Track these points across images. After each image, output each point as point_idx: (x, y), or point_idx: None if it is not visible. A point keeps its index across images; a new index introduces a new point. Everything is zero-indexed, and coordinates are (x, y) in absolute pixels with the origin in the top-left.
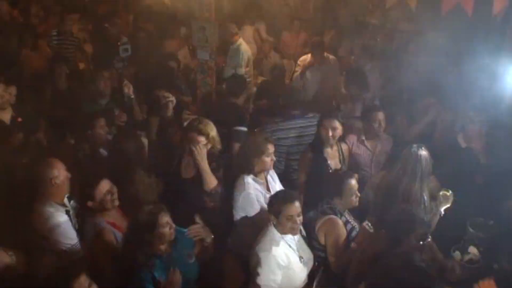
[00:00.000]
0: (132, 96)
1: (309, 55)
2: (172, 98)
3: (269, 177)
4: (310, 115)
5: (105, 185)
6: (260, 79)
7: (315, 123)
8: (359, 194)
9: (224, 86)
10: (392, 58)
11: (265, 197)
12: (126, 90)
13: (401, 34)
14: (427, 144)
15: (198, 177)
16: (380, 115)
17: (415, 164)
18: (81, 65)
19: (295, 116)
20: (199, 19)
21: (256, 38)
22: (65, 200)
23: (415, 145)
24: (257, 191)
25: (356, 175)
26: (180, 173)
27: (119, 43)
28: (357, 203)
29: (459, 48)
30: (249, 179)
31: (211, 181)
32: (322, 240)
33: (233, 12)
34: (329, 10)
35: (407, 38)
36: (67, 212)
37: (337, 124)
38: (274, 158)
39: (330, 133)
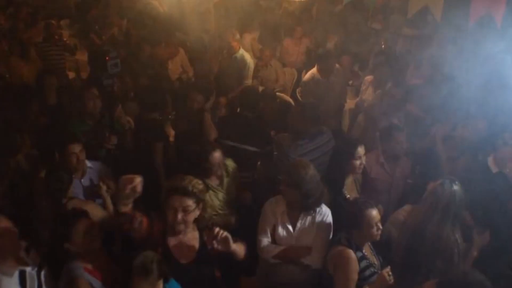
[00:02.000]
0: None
1: (314, 69)
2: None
3: (307, 218)
4: (324, 129)
5: (83, 225)
6: (261, 88)
7: (328, 139)
8: (380, 227)
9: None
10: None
11: (278, 228)
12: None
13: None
14: (451, 166)
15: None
16: (402, 135)
17: (448, 203)
18: (71, 74)
19: (316, 134)
20: (198, 29)
21: (254, 46)
22: (22, 255)
23: (447, 180)
24: (271, 215)
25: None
26: (176, 259)
27: (107, 57)
28: (378, 237)
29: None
30: (273, 199)
31: (241, 251)
32: (331, 269)
33: (232, 21)
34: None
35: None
36: (22, 274)
37: (364, 150)
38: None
39: (362, 163)
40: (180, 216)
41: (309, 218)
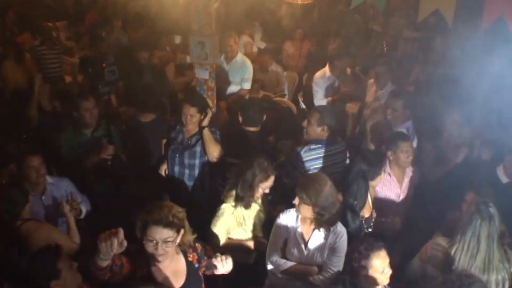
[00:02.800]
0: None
1: (326, 67)
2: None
3: (320, 236)
4: (339, 139)
5: (63, 259)
6: (262, 93)
7: (342, 149)
8: (390, 270)
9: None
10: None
11: (289, 243)
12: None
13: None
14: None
15: None
16: (408, 145)
17: (491, 229)
18: (68, 78)
19: (331, 142)
20: (198, 34)
21: (247, 48)
22: None
23: (482, 205)
24: (283, 228)
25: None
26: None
27: (104, 64)
28: (387, 281)
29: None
30: (287, 212)
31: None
32: None
33: (232, 24)
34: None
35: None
36: None
37: None
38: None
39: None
40: (161, 248)
41: (322, 236)
